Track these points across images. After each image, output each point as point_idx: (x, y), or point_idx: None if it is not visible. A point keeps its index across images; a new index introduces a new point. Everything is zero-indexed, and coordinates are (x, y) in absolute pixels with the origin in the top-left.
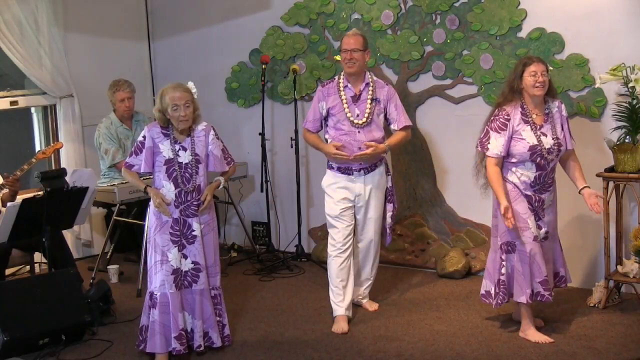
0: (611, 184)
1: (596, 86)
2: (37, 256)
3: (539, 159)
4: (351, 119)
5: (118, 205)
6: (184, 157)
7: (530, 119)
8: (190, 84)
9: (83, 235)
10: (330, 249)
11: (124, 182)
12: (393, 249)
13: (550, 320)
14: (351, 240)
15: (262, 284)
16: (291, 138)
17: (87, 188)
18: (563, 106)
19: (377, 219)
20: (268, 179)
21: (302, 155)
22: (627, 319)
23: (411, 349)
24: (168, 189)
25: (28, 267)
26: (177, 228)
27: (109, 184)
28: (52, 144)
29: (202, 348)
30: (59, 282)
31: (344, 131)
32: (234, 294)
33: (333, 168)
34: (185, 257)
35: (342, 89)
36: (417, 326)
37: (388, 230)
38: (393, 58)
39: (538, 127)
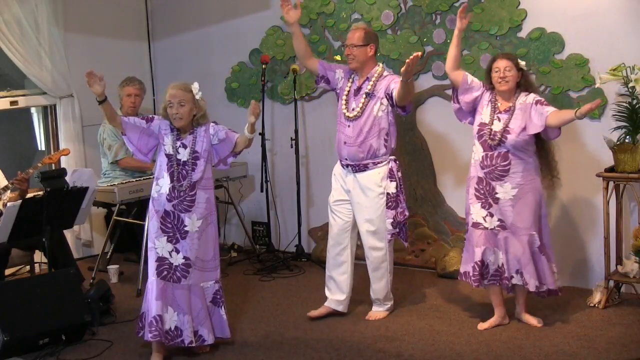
0: (611, 184)
1: (596, 86)
2: (37, 256)
3: (484, 137)
4: (344, 111)
5: (118, 205)
6: (183, 155)
7: (496, 104)
8: (195, 85)
9: (83, 235)
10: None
11: (124, 182)
12: (392, 248)
13: (550, 320)
14: (347, 238)
15: (262, 284)
16: (291, 138)
17: (87, 188)
18: (532, 95)
19: (368, 221)
20: (268, 179)
21: (302, 155)
22: (627, 319)
23: (411, 349)
24: (165, 181)
25: (28, 267)
26: (169, 220)
27: (109, 184)
28: (59, 150)
29: (193, 344)
30: (59, 282)
31: (339, 121)
32: (234, 294)
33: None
34: (178, 251)
35: (351, 78)
36: (417, 326)
37: (388, 237)
38: (393, 58)
39: (498, 111)
